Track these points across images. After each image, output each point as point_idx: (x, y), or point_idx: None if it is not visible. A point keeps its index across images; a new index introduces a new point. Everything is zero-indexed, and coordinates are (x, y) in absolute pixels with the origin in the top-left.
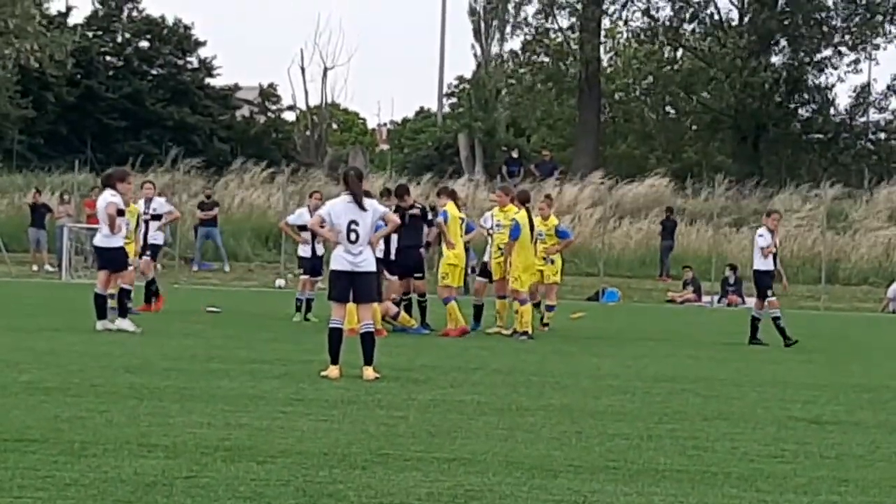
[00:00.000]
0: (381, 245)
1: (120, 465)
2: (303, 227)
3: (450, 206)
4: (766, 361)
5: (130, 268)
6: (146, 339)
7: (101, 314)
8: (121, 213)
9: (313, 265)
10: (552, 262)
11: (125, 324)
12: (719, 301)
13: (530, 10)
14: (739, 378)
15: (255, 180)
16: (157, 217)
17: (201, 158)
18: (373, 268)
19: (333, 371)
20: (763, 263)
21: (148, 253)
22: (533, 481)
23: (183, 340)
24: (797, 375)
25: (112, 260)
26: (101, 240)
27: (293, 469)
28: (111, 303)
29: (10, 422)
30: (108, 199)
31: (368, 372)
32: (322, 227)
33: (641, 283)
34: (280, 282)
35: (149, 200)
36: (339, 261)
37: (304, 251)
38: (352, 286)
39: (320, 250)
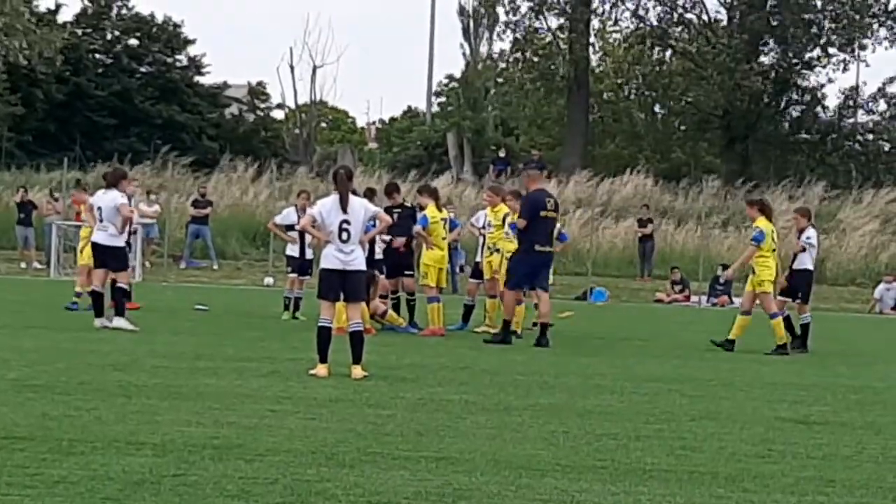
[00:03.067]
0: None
1: (108, 463)
2: (290, 227)
3: (430, 209)
4: (754, 362)
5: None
6: (134, 336)
7: (99, 312)
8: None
9: (301, 264)
10: None
11: (122, 322)
12: (707, 301)
13: (522, 8)
14: (727, 378)
15: (243, 178)
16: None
17: (190, 157)
18: (363, 267)
19: (322, 369)
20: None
21: None
22: (520, 480)
23: (171, 338)
24: (785, 376)
25: (114, 258)
26: (104, 238)
27: (281, 467)
28: (85, 297)
29: None
30: (119, 199)
31: (357, 370)
32: (314, 226)
33: (629, 283)
34: (268, 280)
35: (131, 196)
36: (330, 259)
37: (293, 250)
38: (342, 285)
39: (309, 253)
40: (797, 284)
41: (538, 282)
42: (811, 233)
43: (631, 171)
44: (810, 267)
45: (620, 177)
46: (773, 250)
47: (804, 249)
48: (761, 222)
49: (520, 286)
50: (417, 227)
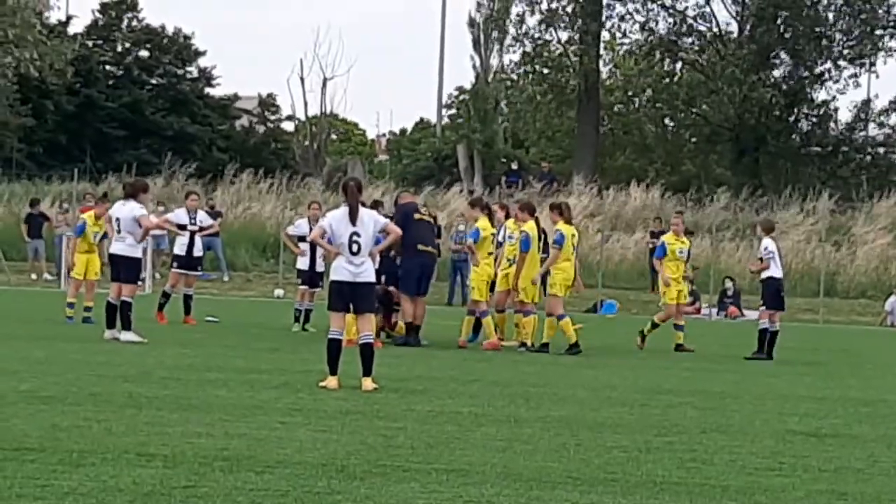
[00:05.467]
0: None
1: (118, 475)
2: (302, 238)
3: (482, 222)
4: (764, 374)
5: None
6: (144, 348)
7: (111, 323)
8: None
9: (311, 276)
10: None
11: (131, 336)
12: (718, 313)
13: (531, 21)
14: (737, 391)
15: (253, 190)
16: (202, 229)
17: (199, 167)
18: (373, 279)
19: (332, 381)
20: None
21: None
22: (531, 493)
23: (181, 350)
24: (795, 388)
25: (128, 269)
26: (122, 248)
27: (291, 479)
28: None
29: (9, 430)
30: (138, 210)
31: (367, 383)
32: (324, 238)
33: (640, 296)
34: (278, 292)
35: (194, 212)
36: (340, 271)
37: (303, 263)
38: (352, 297)
39: (320, 266)
40: (763, 292)
41: (424, 284)
42: (767, 242)
43: (640, 184)
44: (776, 274)
45: (630, 189)
46: (572, 254)
47: (761, 260)
48: (561, 226)
49: (413, 291)
50: (469, 240)
